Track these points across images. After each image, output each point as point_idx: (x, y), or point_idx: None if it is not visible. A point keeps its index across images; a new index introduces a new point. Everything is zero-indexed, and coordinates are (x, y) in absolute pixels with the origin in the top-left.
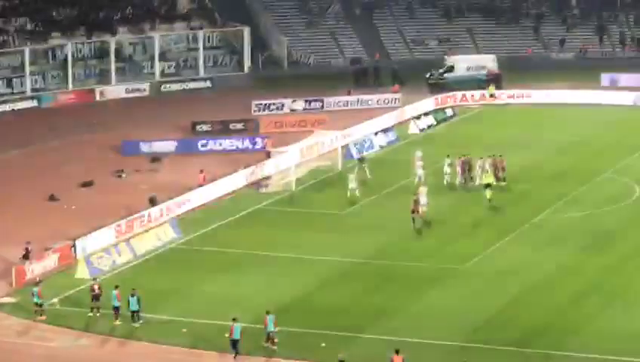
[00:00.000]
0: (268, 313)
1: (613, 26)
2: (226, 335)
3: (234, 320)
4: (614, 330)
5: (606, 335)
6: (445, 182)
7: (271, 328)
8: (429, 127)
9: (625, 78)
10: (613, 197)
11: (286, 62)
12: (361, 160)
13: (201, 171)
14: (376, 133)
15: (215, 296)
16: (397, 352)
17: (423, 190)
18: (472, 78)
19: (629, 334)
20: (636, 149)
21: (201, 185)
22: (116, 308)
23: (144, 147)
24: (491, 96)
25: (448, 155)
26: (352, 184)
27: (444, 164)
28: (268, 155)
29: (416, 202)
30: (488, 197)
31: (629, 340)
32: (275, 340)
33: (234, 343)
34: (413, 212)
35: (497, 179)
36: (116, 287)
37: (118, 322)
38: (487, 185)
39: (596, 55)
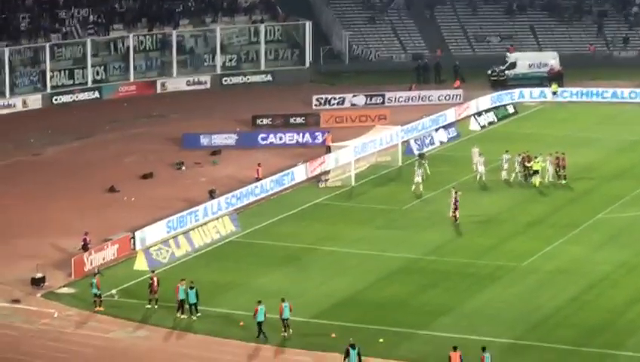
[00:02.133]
0: (283, 300)
1: None
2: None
3: (259, 302)
4: None
5: None
6: (502, 178)
7: (287, 315)
8: (490, 123)
9: None
10: None
11: (347, 56)
12: (422, 156)
13: (259, 165)
14: (437, 129)
15: (273, 290)
16: (455, 349)
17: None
18: (534, 75)
19: None
20: None
21: (258, 179)
22: (181, 301)
23: (204, 140)
24: (554, 93)
25: (507, 151)
26: (418, 178)
27: (501, 160)
28: (328, 150)
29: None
30: (536, 184)
31: None
32: (289, 328)
33: (259, 325)
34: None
35: (558, 177)
36: (182, 280)
37: (181, 316)
38: (535, 172)
39: None
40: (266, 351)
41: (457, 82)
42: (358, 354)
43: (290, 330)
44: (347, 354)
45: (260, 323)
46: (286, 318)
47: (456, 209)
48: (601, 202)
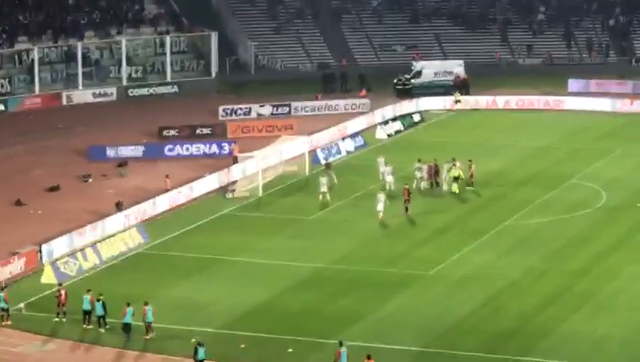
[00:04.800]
0: (146, 304)
1: (579, 32)
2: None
3: (128, 304)
4: (582, 335)
5: (574, 340)
6: (415, 187)
7: (150, 319)
8: (397, 132)
9: (592, 84)
10: (580, 203)
11: (253, 67)
12: (328, 165)
13: (167, 176)
14: (343, 139)
15: (181, 301)
16: (369, 357)
17: (381, 196)
18: (440, 83)
19: (596, 338)
20: (603, 155)
21: (166, 190)
22: (86, 312)
23: (111, 152)
24: (458, 101)
25: (419, 160)
26: (323, 188)
27: (414, 169)
28: (235, 160)
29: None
30: (455, 190)
31: (596, 344)
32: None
33: (126, 327)
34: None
35: (466, 183)
36: (88, 291)
37: (87, 326)
38: (456, 178)
39: (563, 61)
40: None
41: (363, 91)
42: None
43: (153, 334)
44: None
45: (126, 325)
46: (149, 321)
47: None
48: (509, 209)
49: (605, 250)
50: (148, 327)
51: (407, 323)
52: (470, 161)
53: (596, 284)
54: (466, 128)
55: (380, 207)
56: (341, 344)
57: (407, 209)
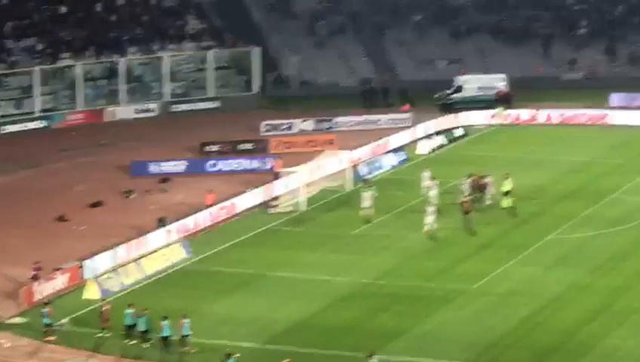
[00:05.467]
0: (184, 317)
1: (622, 46)
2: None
3: (165, 318)
4: (623, 351)
5: (615, 357)
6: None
7: (186, 332)
8: (440, 147)
9: (634, 98)
10: (623, 218)
11: (296, 82)
12: (368, 180)
13: (210, 192)
14: (385, 153)
15: (224, 316)
16: None
17: (430, 210)
18: (482, 98)
19: (638, 355)
20: None
21: (209, 206)
22: (129, 327)
23: (153, 167)
24: (501, 116)
25: (470, 175)
26: (366, 203)
27: (461, 184)
28: (277, 176)
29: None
30: (506, 205)
31: (638, 361)
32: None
33: (164, 341)
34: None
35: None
36: (130, 306)
37: (130, 342)
38: (507, 193)
39: (606, 75)
40: None
41: (406, 106)
42: None
43: (192, 348)
44: None
45: (164, 338)
46: (186, 335)
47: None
48: (551, 223)
49: None
50: (185, 341)
51: (449, 338)
52: (507, 174)
53: (638, 300)
54: (508, 143)
55: (429, 219)
56: (371, 356)
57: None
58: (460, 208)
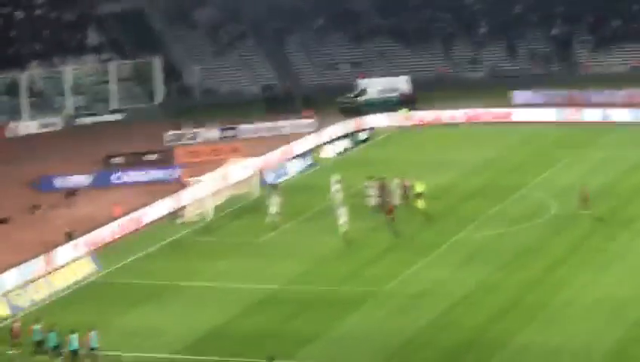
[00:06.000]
0: (91, 330)
1: (522, 44)
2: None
3: (72, 332)
4: (536, 346)
5: (528, 352)
6: (368, 205)
7: (94, 345)
8: (345, 150)
9: (536, 95)
10: (530, 214)
11: (198, 91)
12: (275, 186)
13: (117, 204)
14: (291, 159)
15: (136, 328)
16: None
17: (342, 211)
18: (386, 100)
19: (550, 349)
20: (550, 165)
21: (117, 218)
22: (38, 343)
23: (59, 182)
24: (404, 117)
25: (371, 177)
26: (273, 209)
27: (365, 187)
28: (183, 186)
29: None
30: (420, 206)
31: (550, 356)
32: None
33: (73, 354)
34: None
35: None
36: (38, 321)
37: (40, 357)
38: (419, 194)
39: (507, 73)
40: None
41: (309, 111)
42: None
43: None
44: None
45: (74, 352)
46: (94, 348)
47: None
48: (458, 223)
49: (556, 260)
50: (93, 354)
51: (362, 340)
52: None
53: (548, 295)
54: (413, 144)
55: (343, 221)
56: (271, 359)
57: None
58: (384, 210)
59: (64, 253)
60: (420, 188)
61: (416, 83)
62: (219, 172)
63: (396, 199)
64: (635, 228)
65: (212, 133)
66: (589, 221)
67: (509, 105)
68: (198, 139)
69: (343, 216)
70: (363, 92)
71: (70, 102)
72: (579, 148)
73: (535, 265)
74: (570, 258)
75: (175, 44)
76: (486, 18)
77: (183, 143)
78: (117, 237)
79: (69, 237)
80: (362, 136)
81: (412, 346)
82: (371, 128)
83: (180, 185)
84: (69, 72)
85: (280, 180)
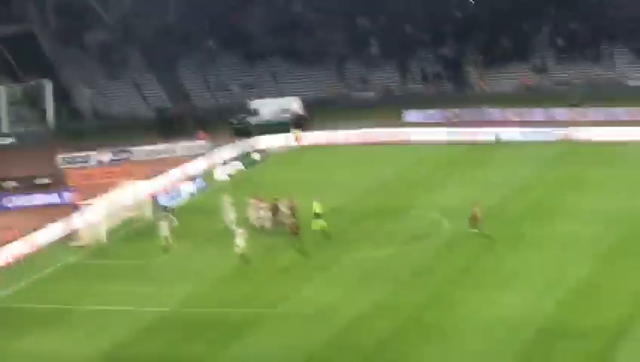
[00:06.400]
0: None
1: (414, 63)
2: None
3: None
4: None
5: None
6: (256, 226)
7: None
8: (238, 172)
9: (428, 114)
10: (423, 234)
11: (90, 114)
12: (168, 208)
13: (9, 228)
14: (184, 181)
15: (25, 355)
16: None
17: (239, 231)
18: (277, 121)
19: None
20: (442, 185)
21: (9, 242)
22: None
23: None
24: (296, 138)
25: (256, 198)
26: (165, 232)
27: (253, 208)
28: (76, 208)
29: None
30: (318, 227)
31: None
32: None
33: None
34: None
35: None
36: None
37: None
38: (318, 215)
39: (399, 93)
40: None
41: (202, 133)
42: None
43: None
44: None
45: None
46: None
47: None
48: (352, 243)
49: (450, 280)
50: None
51: None
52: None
53: (444, 315)
54: (306, 165)
55: (239, 241)
56: None
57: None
58: (288, 230)
59: None
60: (318, 208)
61: (308, 104)
62: (111, 195)
63: (287, 219)
64: (527, 247)
65: (104, 155)
66: (482, 240)
67: (401, 124)
68: (91, 162)
69: (238, 238)
70: (255, 113)
71: None
72: (471, 168)
73: (430, 285)
74: (463, 278)
75: (66, 66)
76: (377, 38)
77: (75, 166)
78: (9, 261)
79: None
80: (255, 157)
81: None
82: (263, 149)
83: (72, 208)
84: None
85: (173, 203)
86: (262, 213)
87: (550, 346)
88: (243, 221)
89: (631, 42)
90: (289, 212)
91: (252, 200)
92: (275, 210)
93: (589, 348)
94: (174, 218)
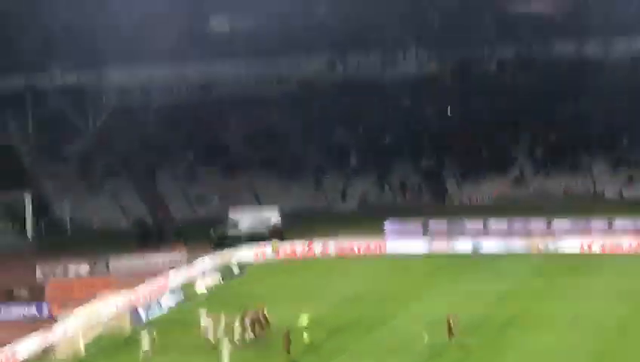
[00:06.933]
0: None
1: (393, 175)
2: None
3: None
4: None
5: None
6: (236, 340)
7: None
8: (217, 284)
9: (407, 226)
10: (402, 346)
11: (69, 226)
12: (146, 322)
13: None
14: (163, 294)
15: None
16: None
17: (224, 346)
18: (256, 232)
19: None
20: (421, 296)
21: None
22: None
23: None
24: (274, 250)
25: (237, 312)
26: (145, 346)
27: (233, 321)
28: (54, 322)
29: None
30: (307, 341)
31: None
32: None
33: None
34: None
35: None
36: None
37: None
38: (305, 328)
39: (378, 204)
40: None
41: (180, 245)
42: None
43: None
44: None
45: None
46: None
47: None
48: (330, 356)
49: None
50: None
51: None
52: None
53: None
54: (284, 276)
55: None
56: None
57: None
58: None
59: None
60: (304, 321)
61: (286, 215)
62: (90, 307)
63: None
64: (511, 358)
65: (83, 267)
66: (460, 351)
67: (380, 236)
68: (69, 274)
69: (223, 351)
70: (234, 224)
71: None
72: (449, 279)
73: None
74: None
75: (45, 178)
76: (356, 150)
77: (54, 278)
78: None
79: None
80: (233, 269)
81: None
82: (242, 261)
83: (51, 321)
84: None
85: (152, 315)
86: (237, 325)
87: None
88: (224, 334)
89: (609, 153)
90: (263, 322)
91: (222, 314)
92: (253, 321)
93: None
94: (154, 331)
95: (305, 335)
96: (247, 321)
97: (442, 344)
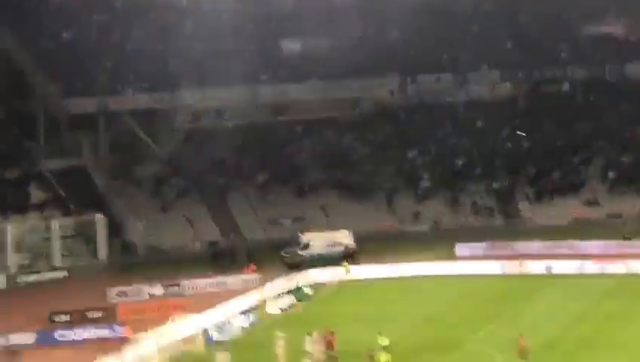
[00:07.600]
0: None
1: (465, 197)
2: None
3: None
4: None
5: None
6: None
7: None
8: (290, 306)
9: (479, 248)
10: None
11: (142, 247)
12: (220, 343)
13: None
14: (236, 315)
15: None
16: None
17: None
18: (328, 254)
19: None
20: (493, 319)
21: None
22: None
23: (0, 341)
24: (347, 272)
25: (309, 333)
26: None
27: (305, 343)
28: (128, 343)
29: None
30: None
31: None
32: None
33: None
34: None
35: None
36: None
37: None
38: (385, 347)
39: (450, 226)
40: None
41: (252, 266)
42: None
43: None
44: None
45: None
46: None
47: None
48: None
49: None
50: None
51: None
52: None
53: None
54: (358, 298)
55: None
56: None
57: None
58: None
59: None
60: (384, 341)
61: (359, 237)
62: (163, 329)
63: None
64: None
65: (156, 289)
66: None
67: (452, 258)
68: (143, 296)
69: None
70: (306, 246)
71: (12, 261)
72: (522, 301)
73: None
74: None
75: (118, 200)
76: (428, 171)
77: (127, 300)
78: None
79: None
80: (306, 291)
81: None
82: (314, 283)
83: (124, 342)
84: (11, 229)
85: (225, 337)
86: (310, 347)
87: None
88: (294, 355)
89: None
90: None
91: (313, 335)
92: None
93: None
94: (227, 352)
95: (382, 355)
96: (318, 343)
97: None
